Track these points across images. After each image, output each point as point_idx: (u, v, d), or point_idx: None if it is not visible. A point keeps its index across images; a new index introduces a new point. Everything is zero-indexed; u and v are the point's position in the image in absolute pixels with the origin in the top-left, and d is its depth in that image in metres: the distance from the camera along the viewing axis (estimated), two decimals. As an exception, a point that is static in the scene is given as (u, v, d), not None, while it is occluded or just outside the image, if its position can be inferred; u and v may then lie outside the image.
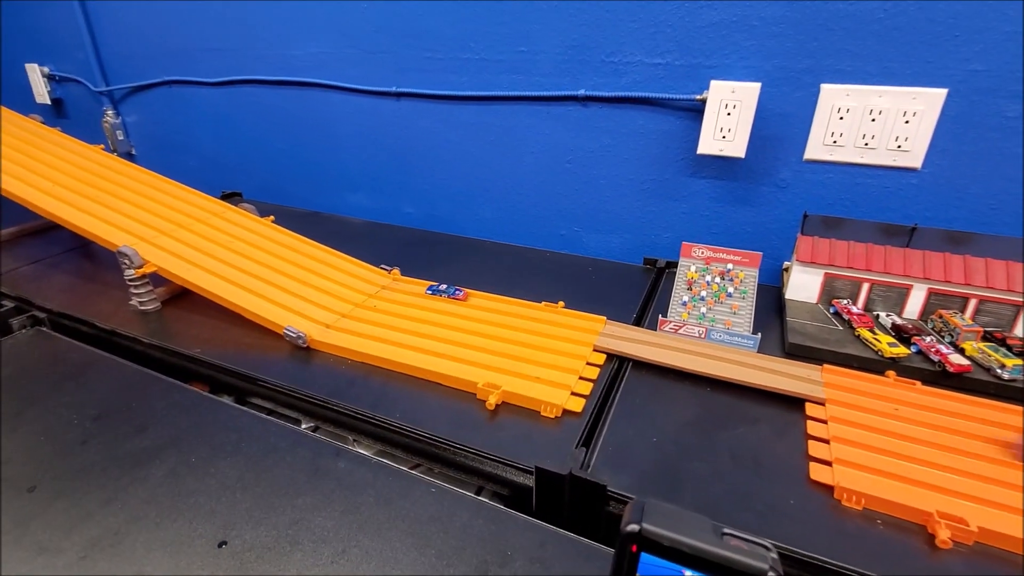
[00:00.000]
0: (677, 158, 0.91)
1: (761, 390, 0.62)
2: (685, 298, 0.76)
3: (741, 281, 0.76)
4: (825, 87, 0.78)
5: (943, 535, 0.44)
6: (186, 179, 1.05)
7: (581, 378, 0.64)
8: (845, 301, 0.77)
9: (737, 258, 0.78)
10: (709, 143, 0.84)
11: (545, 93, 0.96)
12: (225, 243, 0.86)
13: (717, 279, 0.77)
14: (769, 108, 0.82)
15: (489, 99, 1.01)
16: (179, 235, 0.85)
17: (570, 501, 0.51)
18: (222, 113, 1.33)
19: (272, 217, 1.00)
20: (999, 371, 0.62)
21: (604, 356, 0.69)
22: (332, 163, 1.24)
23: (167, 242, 0.83)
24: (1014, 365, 0.62)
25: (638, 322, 0.79)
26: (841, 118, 0.78)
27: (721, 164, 0.89)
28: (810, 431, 0.56)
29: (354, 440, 0.64)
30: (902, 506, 0.46)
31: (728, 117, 0.82)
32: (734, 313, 0.74)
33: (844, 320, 0.74)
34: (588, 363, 0.67)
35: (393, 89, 1.09)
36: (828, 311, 0.77)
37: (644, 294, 0.86)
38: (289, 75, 1.19)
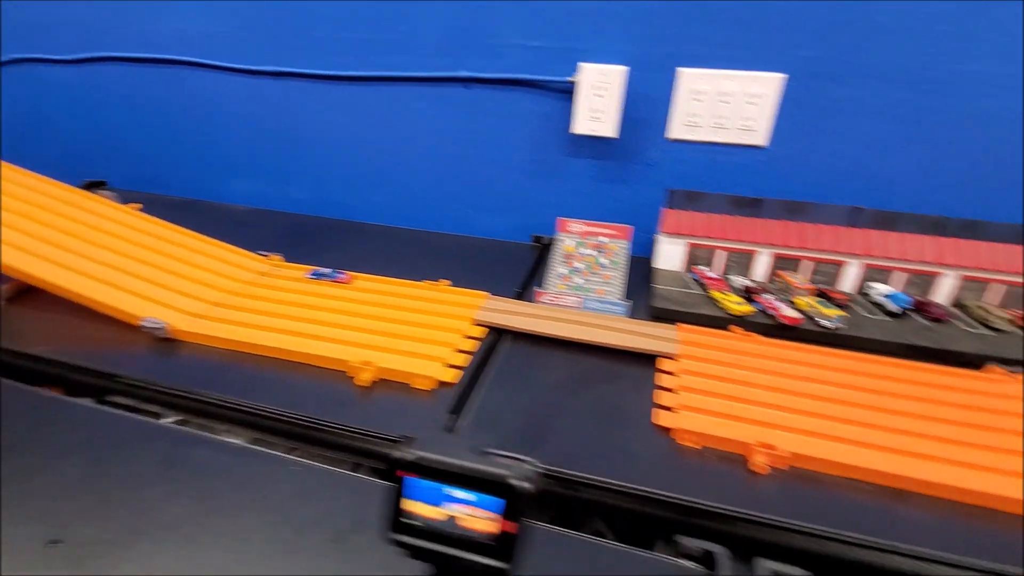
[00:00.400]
0: (557, 139, 0.94)
1: (623, 351, 0.68)
2: (562, 271, 0.80)
3: (614, 253, 0.81)
4: (682, 71, 0.84)
5: (759, 461, 0.50)
6: (44, 169, 0.95)
7: (459, 351, 0.66)
8: (704, 267, 0.84)
9: (610, 231, 0.83)
10: (583, 123, 0.88)
11: (428, 74, 0.96)
12: (80, 233, 0.79)
13: (592, 252, 0.81)
14: (636, 91, 0.87)
15: (373, 79, 1.00)
16: (23, 226, 0.77)
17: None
18: (81, 95, 1.21)
19: (139, 205, 0.93)
20: (823, 321, 0.71)
21: (484, 329, 0.71)
22: (211, 148, 1.18)
23: (8, 234, 0.75)
24: (835, 315, 0.71)
25: (520, 296, 0.82)
26: (697, 100, 0.85)
27: (597, 144, 0.93)
28: (659, 383, 0.62)
29: (226, 430, 0.62)
30: (729, 440, 0.52)
31: (599, 99, 0.86)
32: (607, 283, 0.79)
33: (702, 284, 0.81)
34: (467, 336, 0.69)
35: (272, 68, 1.05)
36: (690, 277, 0.84)
37: (529, 270, 0.89)
38: (154, 52, 1.11)
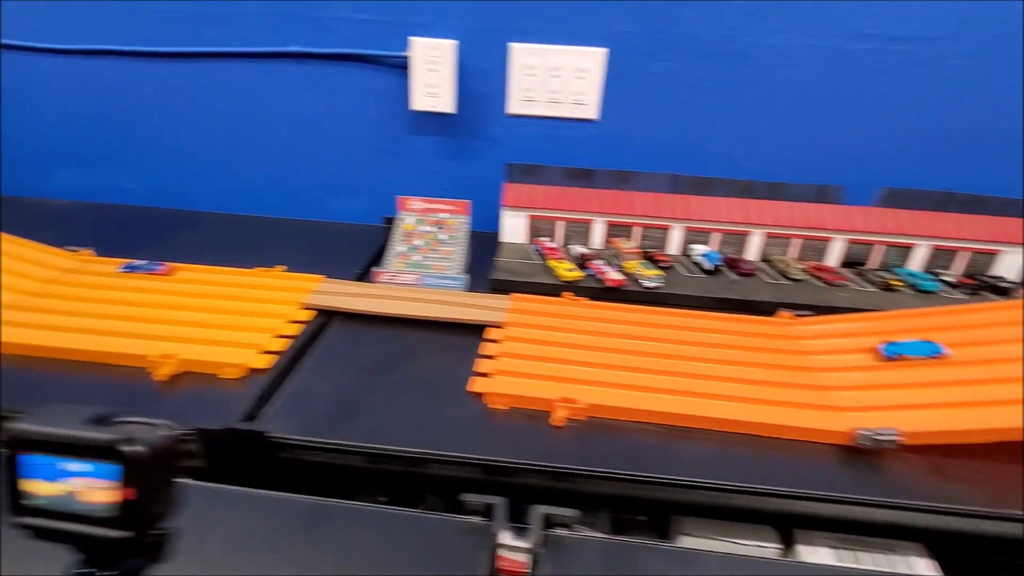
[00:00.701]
0: (399, 116, 0.93)
1: (454, 323, 0.68)
2: (401, 249, 0.79)
3: (453, 228, 0.82)
4: (513, 46, 0.86)
5: (559, 415, 0.53)
6: None
7: (279, 336, 0.64)
8: (545, 238, 0.87)
9: (449, 207, 0.83)
10: (420, 99, 0.87)
11: (257, 49, 0.90)
12: None
13: (431, 228, 0.81)
14: (472, 66, 0.88)
15: (198, 56, 0.92)
16: None
17: (238, 455, 0.51)
18: None
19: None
20: (644, 282, 0.76)
21: (312, 313, 0.69)
22: (22, 138, 1.04)
23: None
24: (653, 275, 0.75)
25: (362, 277, 0.80)
26: (530, 75, 0.87)
27: (440, 121, 0.93)
28: (482, 351, 0.63)
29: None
30: (533, 398, 0.54)
31: (433, 74, 0.85)
32: (446, 258, 0.79)
33: (542, 255, 0.84)
34: (292, 321, 0.67)
35: (85, 47, 0.95)
36: (533, 249, 0.86)
37: (376, 251, 0.88)
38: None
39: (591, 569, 0.40)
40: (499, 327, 0.67)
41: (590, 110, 0.89)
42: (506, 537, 0.42)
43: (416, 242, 0.79)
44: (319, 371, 0.60)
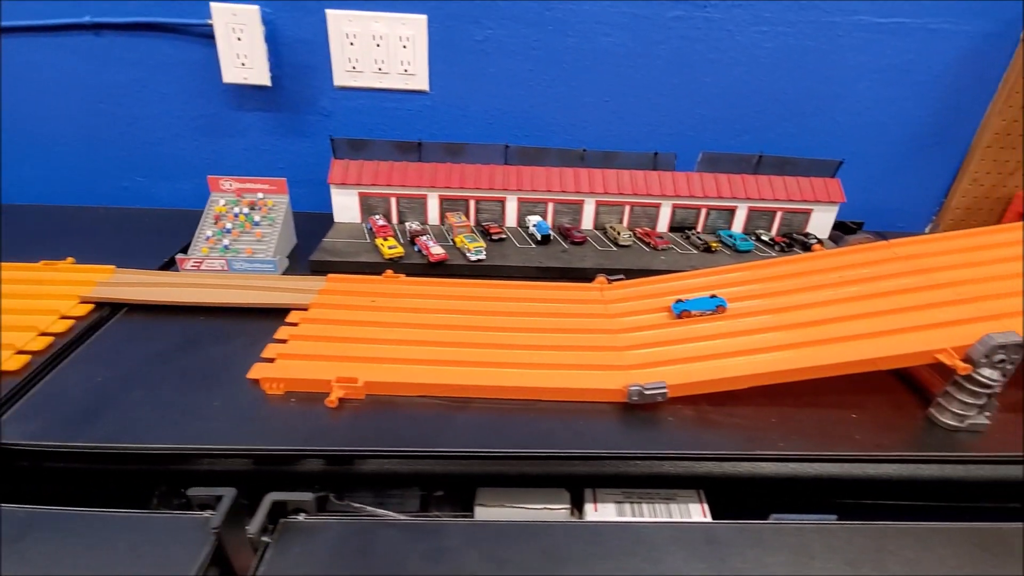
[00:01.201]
0: (216, 90, 0.86)
1: (255, 308, 0.64)
2: (209, 233, 0.74)
3: (269, 209, 0.77)
4: (329, 12, 0.81)
5: (334, 395, 0.50)
6: None
7: (44, 334, 0.57)
8: (377, 216, 0.84)
9: (266, 187, 0.78)
10: (232, 71, 0.81)
11: (45, 22, 0.80)
12: None
13: (245, 210, 0.76)
14: (288, 34, 0.82)
15: (-32, 27, 0.81)
16: None
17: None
18: None
19: None
20: (468, 255, 0.75)
21: (90, 307, 0.63)
22: None
23: None
24: (476, 247, 0.74)
25: (168, 266, 0.74)
26: (352, 44, 0.83)
27: (266, 96, 0.87)
28: (277, 336, 0.60)
29: None
30: (311, 380, 0.52)
31: (240, 43, 0.79)
32: (259, 241, 0.74)
33: (372, 233, 0.81)
34: (64, 317, 0.60)
35: None
36: (366, 227, 0.83)
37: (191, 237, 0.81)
38: None
39: (324, 553, 0.38)
40: (304, 310, 0.64)
41: (420, 81, 0.86)
42: (237, 528, 0.39)
43: (227, 225, 0.74)
44: (81, 369, 0.54)
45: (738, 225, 0.87)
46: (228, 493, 0.41)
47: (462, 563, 0.38)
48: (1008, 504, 0.56)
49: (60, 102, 0.87)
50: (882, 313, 0.55)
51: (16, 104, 0.87)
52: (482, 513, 0.52)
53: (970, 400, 0.50)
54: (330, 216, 0.86)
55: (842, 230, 0.91)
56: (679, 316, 0.60)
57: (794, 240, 0.84)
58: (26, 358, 0.54)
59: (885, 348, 0.50)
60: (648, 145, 0.87)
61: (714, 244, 0.81)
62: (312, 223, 0.83)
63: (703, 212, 0.86)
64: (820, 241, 0.83)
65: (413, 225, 0.82)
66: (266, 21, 0.80)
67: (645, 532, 0.41)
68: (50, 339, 0.57)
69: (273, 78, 0.84)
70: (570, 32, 0.83)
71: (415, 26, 0.81)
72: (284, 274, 0.73)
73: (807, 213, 0.87)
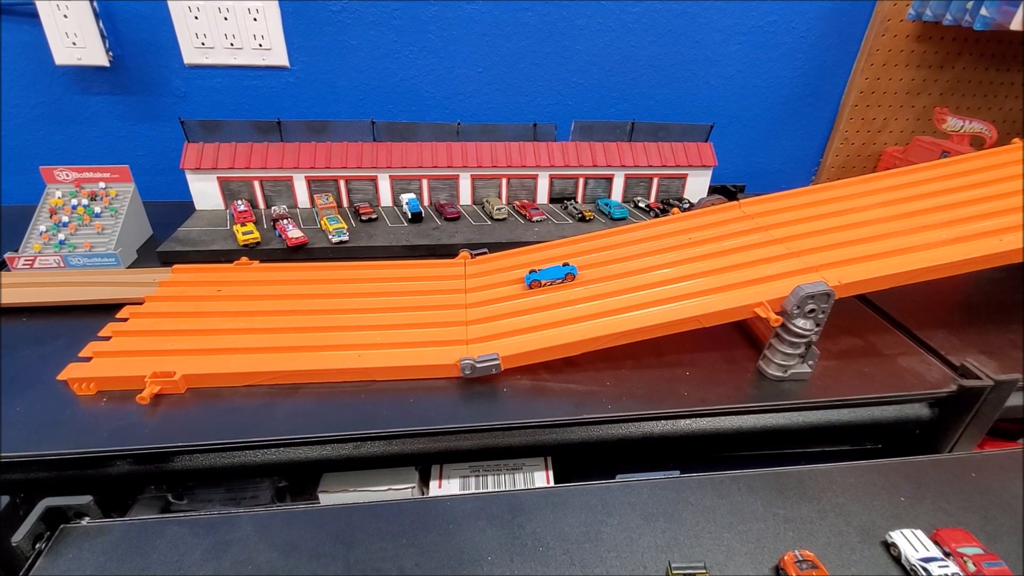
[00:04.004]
0: (53, 74, 0.79)
1: (84, 306, 0.60)
2: (43, 228, 0.69)
3: (111, 199, 0.72)
4: (166, -17, 0.76)
5: (148, 391, 0.48)
6: None
7: None
8: (239, 202, 0.80)
9: (108, 175, 0.73)
10: (62, 52, 0.75)
11: None
12: None
13: (84, 201, 0.71)
14: (127, 9, 0.76)
15: None
16: None
17: None
18: None
19: None
20: (330, 237, 0.72)
21: None
22: None
23: None
24: (336, 229, 0.72)
25: (0, 266, 0.69)
26: (196, 18, 0.77)
27: (109, 78, 0.81)
28: (102, 333, 0.56)
29: None
30: (123, 378, 0.49)
31: (68, 20, 0.73)
32: (99, 233, 0.69)
33: (233, 219, 0.77)
34: None
35: None
36: (229, 214, 0.79)
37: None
38: None
39: (98, 556, 0.36)
40: (140, 304, 0.60)
41: (279, 56, 0.81)
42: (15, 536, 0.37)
43: (63, 218, 0.69)
44: None
45: (616, 194, 0.88)
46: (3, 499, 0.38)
47: (247, 555, 0.36)
48: (841, 446, 0.59)
49: None
50: (717, 271, 0.56)
51: None
52: (325, 499, 0.51)
53: (790, 351, 0.51)
54: (192, 204, 0.81)
55: (724, 194, 0.92)
56: (530, 286, 0.60)
57: (670, 206, 0.85)
58: None
59: (710, 305, 0.51)
60: (528, 117, 0.86)
61: (588, 213, 0.81)
62: (173, 212, 0.78)
63: (581, 182, 0.86)
64: (680, 205, 0.84)
65: (278, 209, 0.78)
66: (98, -5, 0.74)
67: (447, 507, 0.40)
68: None
69: (116, 58, 0.78)
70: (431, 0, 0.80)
71: (264, -3, 0.77)
72: (131, 268, 0.69)
73: (683, 178, 0.88)
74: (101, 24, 0.74)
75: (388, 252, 0.72)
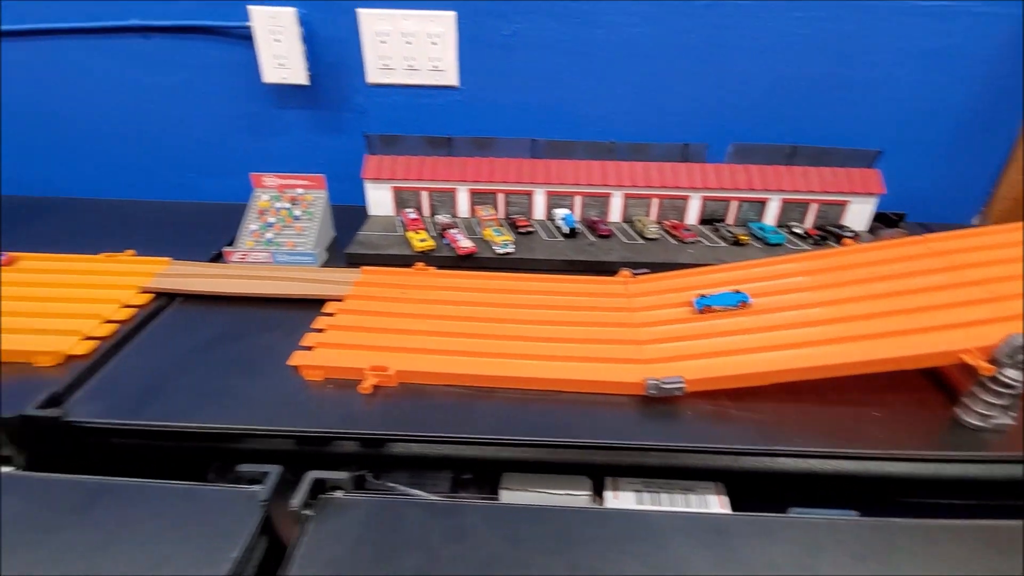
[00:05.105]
0: (259, 90, 0.90)
1: (296, 299, 0.68)
2: (254, 227, 0.78)
3: (308, 204, 0.81)
4: (361, 12, 0.83)
5: (368, 382, 0.54)
6: None
7: (108, 321, 0.63)
8: (409, 209, 0.87)
9: (305, 182, 0.82)
10: (270, 71, 0.85)
11: (95, 24, 0.86)
12: None
13: (286, 205, 0.80)
14: (322, 34, 0.85)
15: (33, 34, 0.88)
16: None
17: (46, 443, 0.51)
18: None
19: None
20: (496, 248, 0.77)
21: (149, 296, 0.68)
22: None
23: None
24: (503, 241, 0.76)
25: (217, 258, 0.79)
26: (383, 42, 0.85)
27: (305, 94, 0.91)
28: (315, 325, 0.63)
29: None
30: (346, 368, 0.55)
31: (279, 44, 0.83)
32: (299, 234, 0.78)
33: (405, 226, 0.84)
34: (125, 306, 0.66)
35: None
36: (399, 221, 0.86)
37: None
38: None
39: (357, 528, 0.42)
40: (340, 301, 0.67)
41: (450, 76, 0.87)
42: (282, 502, 0.43)
43: (270, 219, 0.78)
44: (141, 355, 0.60)
45: (771, 217, 0.86)
46: (274, 470, 0.45)
47: (480, 540, 0.41)
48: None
49: (113, 101, 0.93)
50: (909, 311, 0.54)
51: (72, 104, 0.93)
52: (506, 496, 0.55)
53: (994, 400, 0.49)
54: (366, 209, 0.89)
55: (883, 222, 0.88)
56: (701, 311, 0.61)
57: (828, 233, 0.83)
58: (93, 344, 0.60)
59: (908, 347, 0.50)
60: (680, 136, 0.87)
61: (743, 237, 0.80)
62: (349, 216, 0.86)
63: (733, 204, 0.86)
64: (853, 235, 0.82)
65: (443, 218, 0.85)
66: (303, 22, 0.83)
67: (655, 520, 0.43)
68: (114, 326, 0.63)
69: (312, 77, 0.87)
70: (597, 24, 0.83)
71: (444, 23, 0.83)
72: (323, 266, 0.77)
73: (843, 205, 0.85)
74: (306, 48, 0.84)
75: (548, 265, 0.76)
